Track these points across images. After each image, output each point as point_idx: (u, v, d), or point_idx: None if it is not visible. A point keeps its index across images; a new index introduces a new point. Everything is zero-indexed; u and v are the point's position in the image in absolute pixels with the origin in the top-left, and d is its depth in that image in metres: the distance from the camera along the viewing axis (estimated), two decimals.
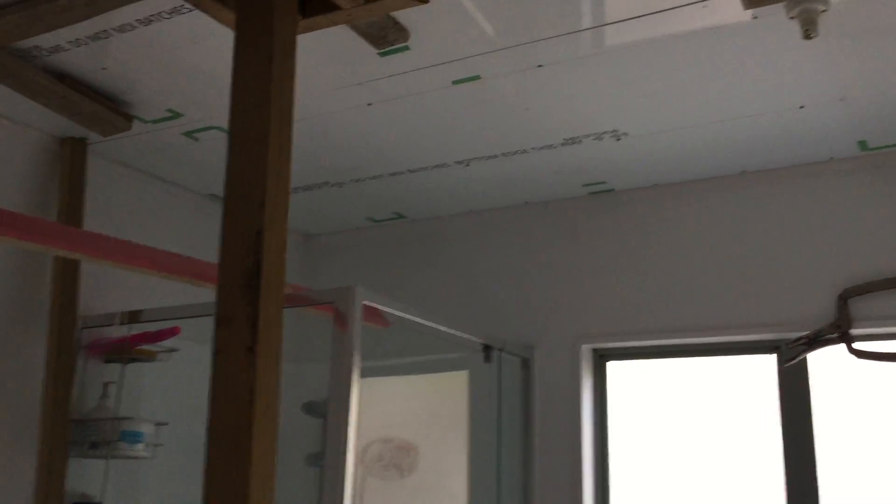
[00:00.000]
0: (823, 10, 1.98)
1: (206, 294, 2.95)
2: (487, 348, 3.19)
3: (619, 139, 2.81)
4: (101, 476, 2.73)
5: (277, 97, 1.70)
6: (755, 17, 2.09)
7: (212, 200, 3.43)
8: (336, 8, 1.92)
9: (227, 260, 1.65)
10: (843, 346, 2.78)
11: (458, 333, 3.01)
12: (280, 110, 1.71)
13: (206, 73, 2.43)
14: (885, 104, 2.51)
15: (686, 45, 2.23)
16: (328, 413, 2.38)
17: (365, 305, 2.47)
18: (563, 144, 2.86)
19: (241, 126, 1.71)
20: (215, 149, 2.92)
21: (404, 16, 2.12)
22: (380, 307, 2.60)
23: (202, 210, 3.39)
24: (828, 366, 2.92)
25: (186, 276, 2.64)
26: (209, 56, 2.33)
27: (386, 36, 2.18)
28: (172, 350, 2.88)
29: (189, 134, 2.85)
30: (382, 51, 2.28)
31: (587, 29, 2.16)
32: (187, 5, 2.07)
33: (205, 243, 3.22)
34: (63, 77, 2.47)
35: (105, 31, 2.22)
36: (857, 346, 2.76)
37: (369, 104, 2.60)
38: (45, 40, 2.27)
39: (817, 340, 2.81)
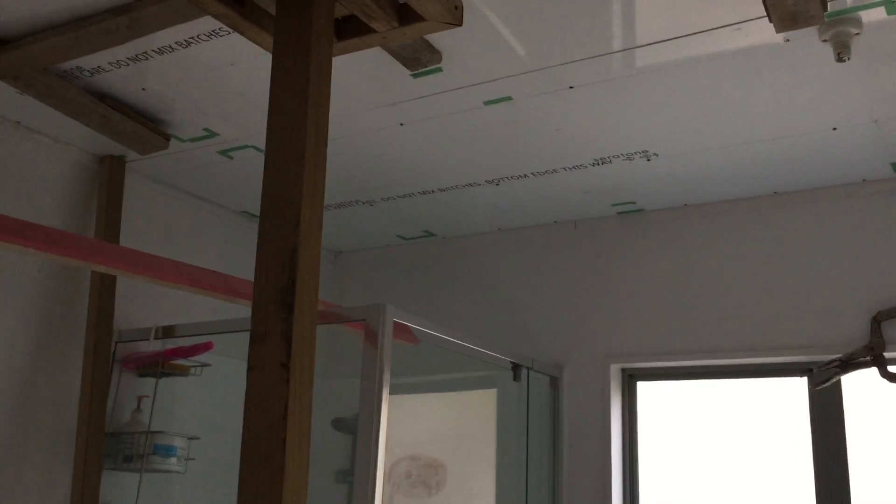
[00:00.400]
0: (857, 34, 1.99)
1: (239, 310, 3.00)
2: (516, 367, 3.19)
3: (649, 159, 2.81)
4: (134, 489, 2.77)
5: (313, 118, 1.73)
6: (787, 40, 2.09)
7: (245, 218, 3.48)
8: (370, 31, 1.96)
9: (263, 277, 1.68)
10: (875, 369, 2.75)
11: (487, 351, 3.02)
12: (316, 131, 1.75)
13: (242, 93, 2.48)
14: None
15: (718, 67, 2.24)
16: (358, 430, 2.39)
17: (395, 323, 2.49)
18: (593, 165, 2.88)
19: (278, 146, 1.74)
20: (249, 167, 2.97)
21: (437, 38, 2.15)
22: (410, 325, 2.61)
23: (236, 227, 3.45)
24: (861, 389, 2.88)
25: (220, 292, 2.68)
26: (245, 77, 2.38)
27: (419, 58, 2.22)
28: (205, 365, 2.92)
29: (224, 152, 2.90)
30: (415, 72, 2.31)
31: (619, 51, 2.18)
32: (225, 28, 2.12)
33: (238, 260, 3.29)
34: (104, 97, 2.53)
35: (145, 52, 2.28)
36: (891, 368, 2.73)
37: (401, 124, 2.64)
38: (88, 62, 2.34)
39: (850, 363, 2.78)
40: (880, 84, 2.28)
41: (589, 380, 3.25)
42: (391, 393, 2.41)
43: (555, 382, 3.32)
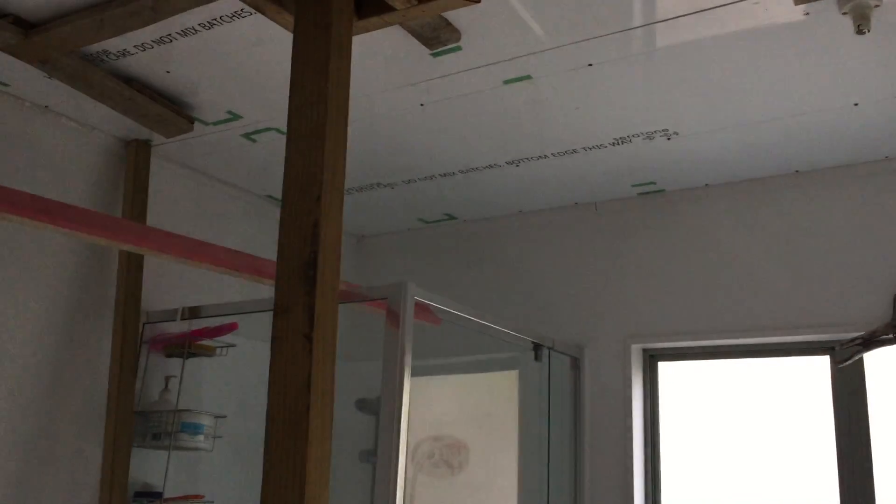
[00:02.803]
0: (876, 6, 1.98)
1: (263, 290, 3.04)
2: (537, 347, 3.21)
3: (669, 139, 2.81)
4: (162, 466, 2.82)
5: (334, 94, 1.76)
6: (807, 14, 2.09)
7: (269, 202, 3.52)
8: (390, 9, 1.98)
9: (286, 252, 1.71)
10: None
11: (509, 332, 3.04)
12: (336, 107, 1.77)
13: (265, 75, 2.51)
14: None
15: (737, 44, 2.24)
16: (380, 410, 2.41)
17: (417, 302, 2.51)
18: (612, 144, 2.88)
19: (299, 122, 1.77)
20: (272, 150, 3.00)
21: (456, 16, 2.17)
22: (431, 304, 2.63)
23: (259, 211, 3.49)
24: (884, 367, 2.87)
25: (245, 272, 2.72)
26: (267, 59, 2.41)
27: (438, 36, 2.23)
28: (230, 345, 2.97)
29: (247, 136, 2.93)
30: (435, 51, 2.33)
31: (638, 27, 2.19)
32: (248, 9, 2.15)
33: (261, 244, 3.33)
34: (130, 80, 2.57)
35: (169, 35, 2.32)
36: None
37: (421, 105, 2.66)
38: (114, 45, 2.38)
39: (873, 341, 2.77)
40: None
41: (610, 360, 3.26)
42: (414, 374, 2.43)
43: (576, 363, 3.33)
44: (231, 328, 2.87)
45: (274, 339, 1.67)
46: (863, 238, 2.90)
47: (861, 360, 2.86)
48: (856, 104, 2.53)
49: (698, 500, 3.14)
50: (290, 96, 1.79)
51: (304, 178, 1.74)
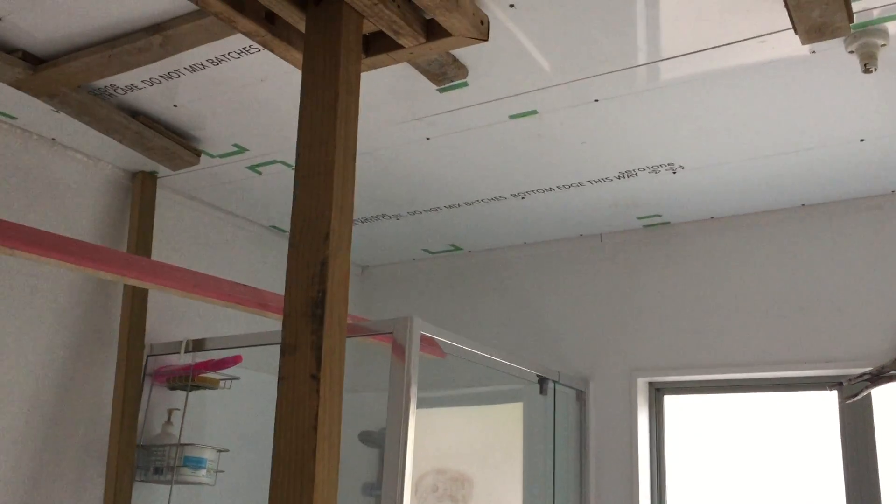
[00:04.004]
0: (883, 45, 1.98)
1: (267, 324, 3.03)
2: (542, 380, 3.19)
3: (675, 172, 2.82)
4: (164, 501, 2.79)
5: (342, 133, 1.76)
6: (813, 52, 2.09)
7: (274, 233, 3.52)
8: (398, 47, 1.99)
9: (293, 290, 1.71)
10: None
11: (514, 365, 3.03)
12: (344, 145, 1.78)
13: (271, 109, 2.52)
14: None
15: (743, 79, 2.24)
16: (385, 443, 2.40)
17: (422, 336, 2.50)
18: (618, 177, 2.88)
19: (308, 160, 1.77)
20: (278, 182, 3.01)
21: (463, 53, 2.18)
22: (437, 338, 2.63)
23: (264, 242, 3.49)
24: (892, 403, 2.85)
25: (250, 305, 2.71)
26: (274, 93, 2.42)
27: (445, 73, 2.24)
28: (234, 378, 2.95)
29: (253, 168, 2.94)
30: (441, 87, 2.34)
31: (643, 65, 2.19)
32: (256, 45, 2.16)
33: (267, 275, 3.33)
34: (137, 114, 2.58)
35: (177, 70, 2.32)
36: None
37: (428, 138, 2.66)
38: (121, 79, 2.39)
39: (881, 377, 2.75)
40: None
41: (616, 393, 3.24)
42: (418, 406, 2.42)
43: (581, 396, 3.31)
44: (235, 361, 2.85)
45: (280, 379, 1.66)
46: (870, 272, 2.89)
47: (869, 395, 2.84)
48: (862, 140, 2.53)
49: None
50: (298, 134, 1.79)
51: (312, 216, 1.74)
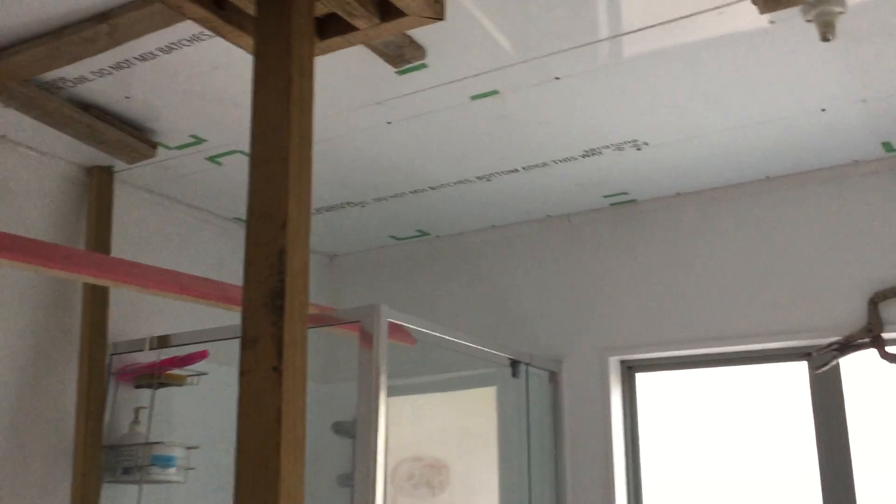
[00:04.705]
0: (840, 13, 1.97)
1: (234, 317, 2.98)
2: (515, 363, 3.18)
3: (639, 149, 2.80)
4: (134, 501, 2.74)
5: (297, 118, 1.72)
6: (772, 22, 2.08)
7: (237, 224, 3.46)
8: (353, 28, 1.94)
9: (252, 281, 1.67)
10: (875, 350, 2.73)
11: (485, 349, 3.01)
12: (300, 131, 1.73)
13: (228, 97, 2.46)
14: None
15: (704, 53, 2.23)
16: (357, 433, 2.38)
17: (391, 323, 2.47)
18: (583, 156, 2.86)
19: (262, 148, 1.73)
20: (239, 172, 2.95)
21: (421, 34, 2.14)
22: (406, 325, 2.60)
23: (228, 234, 3.43)
24: (860, 371, 2.87)
25: (214, 299, 2.66)
26: (230, 81, 2.37)
27: (403, 54, 2.20)
28: (201, 374, 2.90)
29: (212, 159, 2.88)
30: (400, 69, 2.30)
31: (604, 40, 2.17)
32: (207, 32, 2.11)
33: (232, 267, 3.27)
34: (88, 107, 2.51)
35: (127, 60, 2.26)
36: (889, 350, 2.72)
37: (388, 123, 2.62)
38: (70, 71, 2.32)
39: (849, 346, 2.77)
40: (867, 63, 2.27)
41: (588, 373, 3.24)
42: (390, 394, 2.40)
43: (554, 377, 3.30)
44: (202, 356, 2.81)
45: (242, 373, 1.62)
46: (836, 242, 2.90)
47: (838, 365, 2.86)
48: (823, 110, 2.53)
49: None
50: (252, 121, 1.75)
51: (268, 205, 1.69)
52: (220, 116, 2.58)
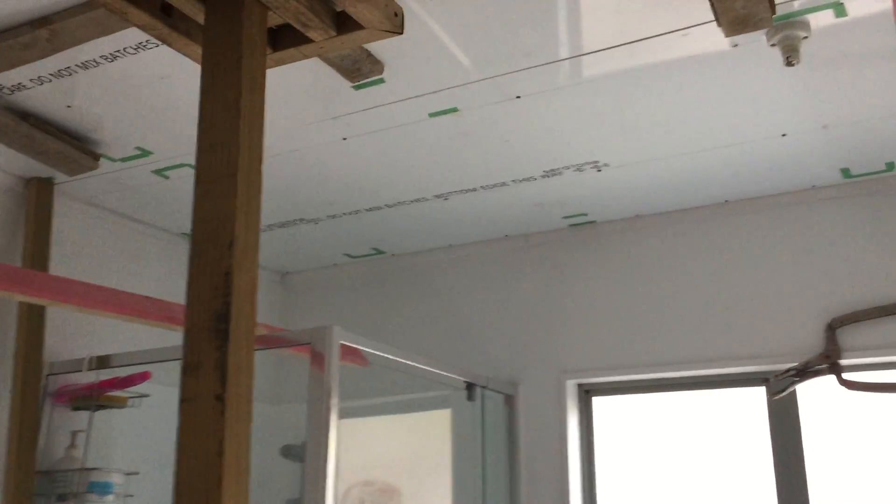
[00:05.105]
0: (805, 37, 1.95)
1: (178, 337, 2.86)
2: (470, 386, 3.10)
3: (599, 170, 2.76)
4: None
5: (246, 133, 1.63)
6: (735, 46, 2.05)
7: (185, 240, 3.34)
8: (307, 40, 1.87)
9: (195, 303, 1.57)
10: (832, 376, 2.72)
11: (440, 371, 2.93)
12: (249, 146, 1.65)
13: (175, 109, 2.36)
14: (866, 131, 2.48)
15: (666, 75, 2.19)
16: (306, 457, 2.30)
17: (343, 345, 2.39)
18: (543, 176, 2.81)
19: (209, 164, 1.64)
20: (186, 186, 2.84)
21: (378, 48, 2.07)
22: (358, 347, 2.52)
23: (175, 250, 3.31)
24: (818, 397, 2.86)
25: (156, 319, 2.55)
26: (177, 92, 2.27)
27: (360, 69, 2.13)
28: (143, 396, 2.78)
29: (159, 172, 2.77)
30: (357, 84, 2.22)
31: (565, 59, 2.12)
32: (153, 40, 2.01)
33: (179, 285, 3.13)
34: (26, 116, 2.39)
35: (69, 68, 2.15)
36: (846, 376, 2.71)
37: (344, 138, 2.54)
38: (7, 78, 2.20)
39: (807, 371, 2.75)
40: (829, 89, 2.26)
41: (545, 397, 3.18)
42: (341, 417, 2.32)
43: (510, 400, 3.24)
44: (143, 378, 2.68)
45: (182, 401, 1.52)
46: (794, 267, 2.89)
47: (794, 391, 2.84)
48: (783, 135, 2.51)
49: None
50: (198, 135, 1.66)
51: (214, 224, 1.61)
52: (167, 128, 2.48)
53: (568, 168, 2.75)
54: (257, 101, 1.70)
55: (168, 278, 3.21)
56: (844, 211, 2.85)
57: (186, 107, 2.33)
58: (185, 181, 2.81)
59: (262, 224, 1.69)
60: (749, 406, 2.97)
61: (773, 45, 1.99)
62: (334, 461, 2.27)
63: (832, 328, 2.75)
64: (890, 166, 2.72)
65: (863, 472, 2.78)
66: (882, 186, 2.81)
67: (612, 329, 3.13)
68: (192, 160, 2.64)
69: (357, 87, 2.25)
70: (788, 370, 2.77)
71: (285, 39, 1.91)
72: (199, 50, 1.84)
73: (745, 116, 2.41)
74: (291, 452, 3.26)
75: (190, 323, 1.57)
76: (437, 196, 2.99)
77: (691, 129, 2.49)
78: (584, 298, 3.22)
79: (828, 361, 2.72)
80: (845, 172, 2.78)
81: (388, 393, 3.38)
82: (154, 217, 3.17)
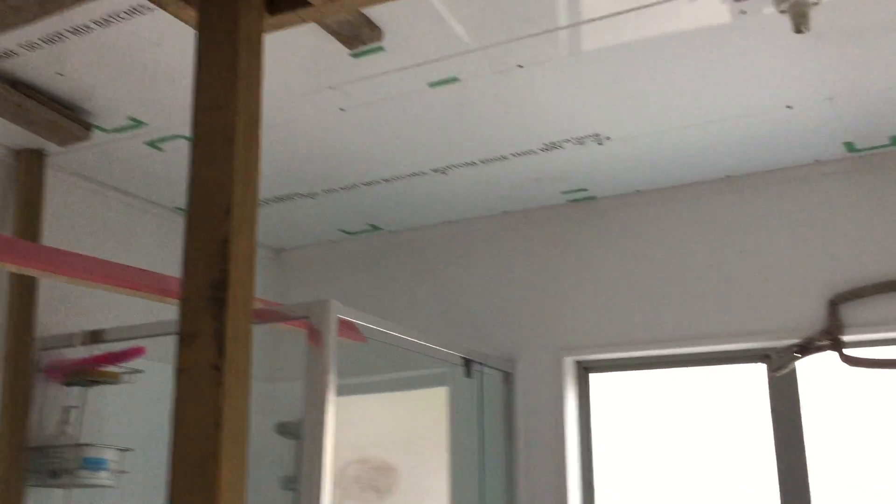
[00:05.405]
0: (815, 3, 1.91)
1: (173, 311, 2.82)
2: (468, 363, 3.07)
3: (601, 143, 2.72)
4: None
5: (244, 95, 1.59)
6: (742, 13, 2.01)
7: (179, 214, 3.29)
8: (306, 4, 1.82)
9: (191, 271, 1.53)
10: (834, 353, 2.70)
11: (438, 348, 2.90)
12: (247, 110, 1.60)
13: (169, 77, 2.31)
14: (872, 104, 2.45)
15: (671, 45, 2.15)
16: (303, 434, 2.27)
17: (340, 320, 2.36)
18: (543, 150, 2.77)
19: (205, 126, 1.59)
20: (181, 159, 2.79)
21: (378, 15, 2.02)
22: (356, 321, 2.49)
23: (168, 225, 3.26)
24: (818, 373, 2.84)
25: (151, 292, 2.50)
26: (172, 59, 2.21)
27: (359, 35, 2.08)
28: (137, 371, 2.74)
29: (153, 143, 2.72)
30: (355, 52, 2.17)
31: (566, 27, 2.07)
32: (147, 4, 1.96)
33: (171, 259, 3.09)
34: (16, 84, 2.33)
35: (59, 33, 2.10)
36: (848, 352, 2.69)
37: (342, 109, 2.49)
38: None
39: (808, 348, 2.73)
40: (835, 60, 2.22)
41: (543, 374, 3.15)
42: (338, 394, 2.30)
43: (508, 378, 3.21)
44: (137, 353, 2.65)
45: (178, 371, 1.48)
46: (796, 243, 2.86)
47: (794, 368, 2.82)
48: (789, 106, 2.47)
49: None
50: (194, 98, 1.61)
51: (211, 190, 1.56)
52: (161, 97, 2.42)
53: (569, 141, 2.71)
54: (255, 64, 1.65)
55: (162, 253, 3.16)
56: (847, 186, 2.82)
57: (181, 76, 2.28)
58: (179, 153, 2.76)
59: None
60: (749, 383, 2.94)
61: (782, 12, 1.94)
62: (332, 439, 2.25)
63: (834, 304, 2.72)
64: (894, 140, 2.69)
65: (863, 448, 2.76)
66: (886, 161, 2.78)
67: (611, 306, 3.10)
68: (186, 131, 2.59)
69: (355, 56, 2.20)
70: (789, 347, 2.74)
71: (282, 4, 1.85)
72: (193, 13, 1.78)
73: (750, 88, 2.37)
74: (287, 429, 3.23)
75: (186, 292, 1.53)
76: (435, 170, 2.95)
77: (695, 101, 2.45)
78: (582, 275, 3.19)
79: (829, 338, 2.69)
80: (849, 146, 2.74)
81: (385, 370, 3.35)
82: (147, 191, 3.12)
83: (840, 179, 2.83)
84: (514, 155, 2.81)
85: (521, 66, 2.25)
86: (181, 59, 2.19)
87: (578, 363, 3.20)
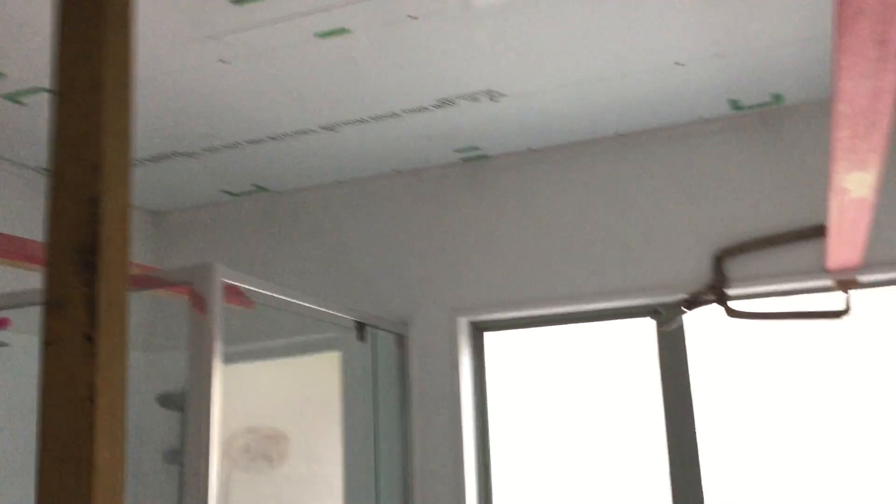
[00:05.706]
0: None
1: (39, 279, 2.63)
2: (360, 326, 3.01)
3: (494, 99, 2.67)
4: None
5: (112, 38, 1.44)
6: None
7: (43, 175, 3.06)
8: None
9: (57, 234, 1.38)
10: (719, 307, 2.77)
11: (329, 311, 2.82)
12: (116, 56, 1.45)
13: (30, 24, 2.10)
14: (758, 60, 2.49)
15: (564, 0, 2.11)
16: (187, 405, 2.16)
17: (225, 284, 2.24)
18: (436, 106, 2.70)
19: (69, 75, 1.43)
20: (44, 114, 2.58)
21: None
22: (242, 286, 2.37)
23: (31, 186, 3.03)
24: (708, 327, 2.91)
25: (13, 258, 2.31)
26: (33, 6, 2.01)
27: None
28: (2, 345, 2.54)
29: (12, 97, 2.49)
30: None
31: None
32: None
33: (35, 224, 2.88)
34: None
35: None
36: (733, 305, 2.77)
37: (223, 61, 2.35)
38: None
39: (695, 302, 2.79)
40: (723, 16, 2.23)
41: (437, 335, 3.12)
42: (225, 362, 2.18)
43: (401, 340, 3.16)
44: (2, 324, 2.45)
45: (46, 343, 1.35)
46: (682, 200, 2.91)
47: (682, 322, 2.88)
48: (678, 63, 2.49)
49: (531, 471, 3.08)
50: (56, 45, 1.45)
51: (77, 144, 1.40)
52: (21, 48, 2.21)
53: (462, 97, 2.65)
54: (125, 7, 1.50)
55: (24, 217, 2.93)
56: (732, 143, 2.88)
57: (43, 24, 2.08)
58: (43, 109, 2.55)
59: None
60: (640, 338, 3.00)
61: None
62: (219, 409, 2.14)
63: (719, 259, 2.79)
64: (776, 98, 2.76)
65: (747, 398, 2.86)
66: (768, 118, 2.85)
67: (505, 265, 3.09)
68: (48, 83, 2.39)
69: (237, 3, 2.06)
70: (677, 302, 2.80)
71: None
72: None
73: (641, 43, 2.36)
74: (170, 401, 3.10)
75: (52, 256, 1.38)
76: (324, 127, 2.83)
77: (587, 58, 2.43)
78: (475, 235, 3.16)
79: (715, 292, 2.76)
80: (734, 104, 2.79)
81: (274, 336, 3.24)
82: (7, 150, 2.88)
83: (725, 137, 2.89)
84: (406, 112, 2.73)
85: (413, 17, 2.16)
86: (44, 4, 2.00)
87: (473, 323, 3.18)
